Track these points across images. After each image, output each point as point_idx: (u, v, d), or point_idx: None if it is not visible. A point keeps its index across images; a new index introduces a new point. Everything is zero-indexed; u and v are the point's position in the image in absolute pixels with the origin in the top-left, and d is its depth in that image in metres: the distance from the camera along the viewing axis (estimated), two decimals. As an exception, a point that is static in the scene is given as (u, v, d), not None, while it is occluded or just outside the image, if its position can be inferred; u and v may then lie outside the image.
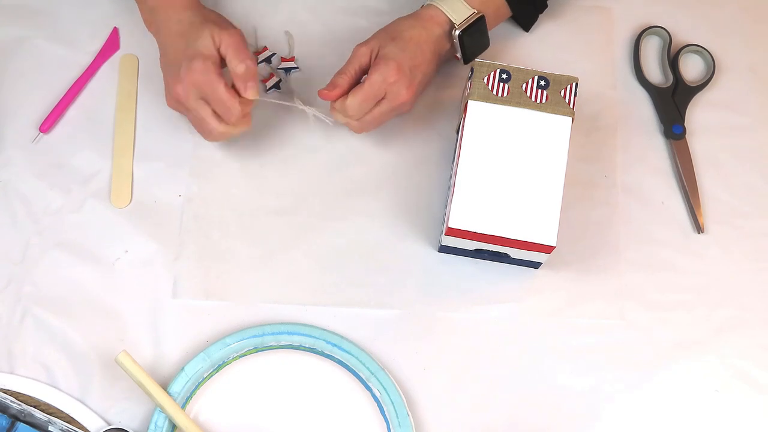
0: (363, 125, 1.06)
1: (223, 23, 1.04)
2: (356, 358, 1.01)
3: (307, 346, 1.02)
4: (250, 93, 1.00)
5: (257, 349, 1.01)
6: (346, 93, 1.04)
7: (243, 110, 1.02)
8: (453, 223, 0.98)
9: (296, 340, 1.02)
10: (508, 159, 1.00)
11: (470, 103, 1.01)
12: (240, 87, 1.01)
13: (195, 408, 0.99)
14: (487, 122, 1.01)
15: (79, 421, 0.98)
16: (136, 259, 1.06)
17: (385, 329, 1.04)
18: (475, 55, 1.10)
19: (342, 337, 1.02)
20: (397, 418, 0.99)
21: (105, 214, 1.07)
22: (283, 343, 1.02)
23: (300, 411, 1.00)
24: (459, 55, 1.09)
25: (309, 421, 0.99)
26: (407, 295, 1.06)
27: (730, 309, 1.06)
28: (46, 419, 0.98)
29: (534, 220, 0.98)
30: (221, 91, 1.00)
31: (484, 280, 1.06)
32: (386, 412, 0.99)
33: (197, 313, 1.04)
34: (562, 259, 1.07)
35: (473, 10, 1.07)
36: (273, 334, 1.02)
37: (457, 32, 1.06)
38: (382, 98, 1.04)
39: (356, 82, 1.05)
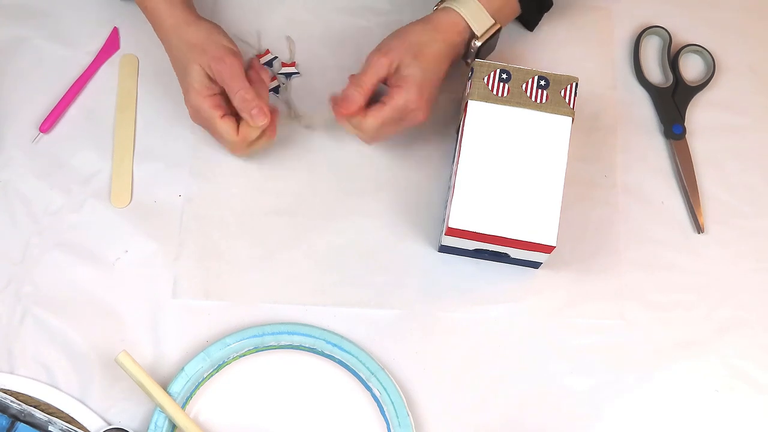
0: (375, 140, 1.06)
1: (211, 48, 1.01)
2: (356, 358, 1.01)
3: (307, 346, 1.01)
4: (255, 120, 1.01)
5: (257, 349, 1.01)
6: (363, 107, 1.02)
7: (251, 132, 1.02)
8: (453, 223, 0.98)
9: (296, 340, 1.02)
10: (508, 159, 0.99)
11: (470, 103, 1.01)
12: (245, 117, 1.01)
13: (195, 408, 0.99)
14: (487, 122, 1.01)
15: (79, 421, 0.98)
16: (136, 259, 1.06)
17: (385, 329, 1.04)
18: (482, 59, 1.10)
19: (342, 337, 1.02)
20: (397, 417, 0.99)
21: (105, 214, 1.07)
22: (283, 343, 1.01)
23: (300, 411, 0.99)
24: (470, 60, 1.08)
25: (309, 421, 0.99)
26: (407, 295, 1.05)
27: (730, 309, 1.06)
28: (46, 419, 0.97)
29: (534, 220, 0.98)
30: (218, 126, 1.01)
31: (484, 280, 1.06)
32: (386, 412, 0.99)
33: (197, 313, 1.04)
34: (562, 259, 1.07)
35: (492, 21, 1.05)
36: (273, 334, 1.02)
37: (478, 44, 1.05)
38: (400, 120, 1.03)
39: (372, 94, 1.03)
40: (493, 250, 1.03)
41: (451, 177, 1.07)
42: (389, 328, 1.04)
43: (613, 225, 1.09)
